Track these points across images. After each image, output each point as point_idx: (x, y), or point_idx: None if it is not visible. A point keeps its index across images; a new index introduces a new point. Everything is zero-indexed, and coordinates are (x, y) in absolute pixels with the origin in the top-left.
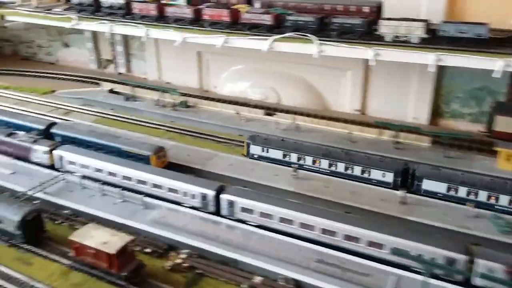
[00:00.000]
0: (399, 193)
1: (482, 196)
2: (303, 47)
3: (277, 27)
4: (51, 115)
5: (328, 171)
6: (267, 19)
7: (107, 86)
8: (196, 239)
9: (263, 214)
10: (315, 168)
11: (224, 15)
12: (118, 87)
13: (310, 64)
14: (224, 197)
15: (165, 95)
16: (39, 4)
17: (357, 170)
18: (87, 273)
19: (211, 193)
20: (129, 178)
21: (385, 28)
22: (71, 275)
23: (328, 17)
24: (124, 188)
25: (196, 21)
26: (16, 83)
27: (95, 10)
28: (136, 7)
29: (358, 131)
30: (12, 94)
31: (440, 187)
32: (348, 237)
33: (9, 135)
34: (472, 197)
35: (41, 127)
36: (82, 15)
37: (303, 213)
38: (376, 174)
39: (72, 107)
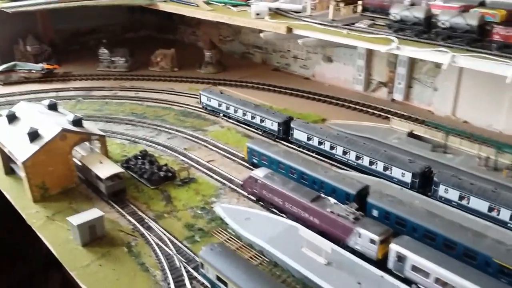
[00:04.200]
0: None
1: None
2: None
3: None
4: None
5: None
6: None
7: (396, 122)
8: None
9: None
10: None
11: None
12: (414, 128)
13: None
14: None
15: (482, 149)
16: (335, 16)
17: None
18: None
19: None
20: None
21: None
22: None
23: None
24: None
25: None
26: (273, 102)
27: (423, 30)
28: (498, 32)
29: None
30: None
31: None
32: None
33: (315, 199)
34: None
35: (352, 191)
36: (402, 35)
37: None
38: None
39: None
